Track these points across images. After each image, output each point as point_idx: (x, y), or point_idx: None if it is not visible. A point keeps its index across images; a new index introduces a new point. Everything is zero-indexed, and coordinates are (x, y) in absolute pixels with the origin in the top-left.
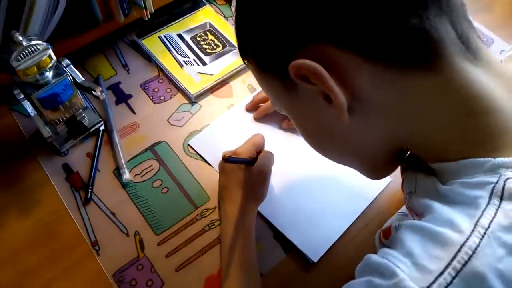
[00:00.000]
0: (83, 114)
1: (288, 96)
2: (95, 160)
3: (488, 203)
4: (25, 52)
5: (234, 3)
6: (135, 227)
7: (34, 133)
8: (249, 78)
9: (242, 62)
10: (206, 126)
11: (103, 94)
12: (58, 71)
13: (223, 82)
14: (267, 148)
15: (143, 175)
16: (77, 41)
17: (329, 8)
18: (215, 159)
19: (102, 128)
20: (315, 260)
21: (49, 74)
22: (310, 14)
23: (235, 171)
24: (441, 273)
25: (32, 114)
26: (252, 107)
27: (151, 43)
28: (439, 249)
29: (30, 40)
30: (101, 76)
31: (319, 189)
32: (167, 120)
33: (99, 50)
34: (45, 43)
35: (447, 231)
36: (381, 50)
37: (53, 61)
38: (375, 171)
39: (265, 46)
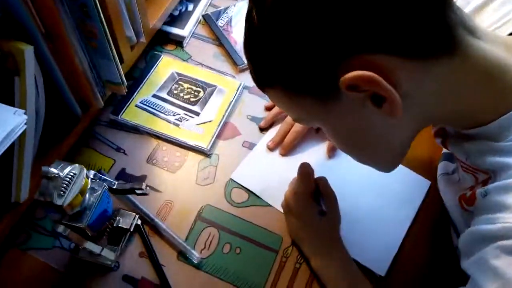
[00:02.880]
0: (117, 218)
1: (325, 110)
2: (154, 257)
3: None
4: (64, 183)
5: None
6: None
7: (68, 264)
8: (244, 109)
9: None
10: (244, 158)
11: (148, 188)
12: (92, 185)
13: (224, 123)
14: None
15: (209, 247)
16: (65, 145)
17: (369, 20)
18: (262, 189)
19: (139, 222)
20: (383, 274)
21: (87, 195)
22: (350, 29)
23: (311, 215)
24: None
25: (86, 246)
26: (267, 125)
27: (132, 115)
28: None
29: (63, 168)
30: (102, 169)
31: (366, 202)
32: (196, 182)
33: (82, 145)
34: (77, 165)
35: None
36: (417, 48)
37: (90, 179)
38: (396, 162)
39: (298, 70)
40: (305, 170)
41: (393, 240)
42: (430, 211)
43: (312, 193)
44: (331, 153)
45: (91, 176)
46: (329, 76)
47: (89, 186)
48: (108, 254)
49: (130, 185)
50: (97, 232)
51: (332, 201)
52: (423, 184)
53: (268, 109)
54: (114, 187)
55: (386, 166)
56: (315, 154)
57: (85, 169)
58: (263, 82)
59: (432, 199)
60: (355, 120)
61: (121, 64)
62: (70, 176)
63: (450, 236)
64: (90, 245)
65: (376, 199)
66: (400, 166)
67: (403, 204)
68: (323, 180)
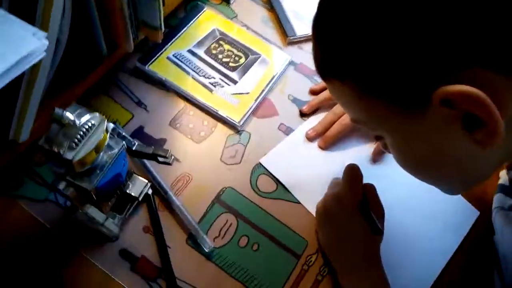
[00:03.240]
0: (128, 183)
1: (401, 120)
2: (160, 235)
3: None
4: (79, 134)
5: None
6: None
7: (60, 222)
8: (286, 87)
9: (276, 71)
10: (278, 143)
11: (173, 157)
12: (108, 142)
13: (262, 100)
14: None
15: (223, 236)
16: (82, 86)
17: (490, 31)
18: (292, 182)
19: (150, 191)
20: None
21: (101, 152)
22: (465, 39)
23: (354, 228)
24: None
25: (89, 211)
26: (310, 111)
27: (161, 67)
28: None
29: (80, 115)
30: (118, 123)
31: (407, 221)
32: (220, 159)
33: (99, 91)
34: (97, 114)
35: None
36: None
37: (109, 134)
38: (466, 189)
39: (385, 68)
40: (355, 175)
41: (431, 270)
42: (474, 244)
43: (359, 203)
44: (378, 157)
45: (110, 131)
46: (425, 84)
47: (106, 143)
48: (112, 226)
49: (152, 149)
50: (103, 197)
51: (380, 215)
52: (472, 213)
53: (314, 93)
54: (134, 148)
55: (454, 191)
56: (358, 155)
57: (106, 121)
58: (330, 71)
59: (477, 231)
60: (435, 139)
61: None
62: (87, 127)
63: (491, 276)
64: (94, 212)
65: (419, 219)
66: None
67: (448, 231)
68: (372, 189)
